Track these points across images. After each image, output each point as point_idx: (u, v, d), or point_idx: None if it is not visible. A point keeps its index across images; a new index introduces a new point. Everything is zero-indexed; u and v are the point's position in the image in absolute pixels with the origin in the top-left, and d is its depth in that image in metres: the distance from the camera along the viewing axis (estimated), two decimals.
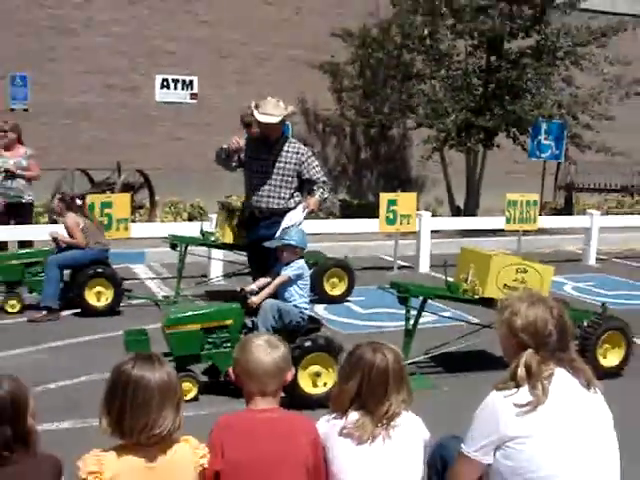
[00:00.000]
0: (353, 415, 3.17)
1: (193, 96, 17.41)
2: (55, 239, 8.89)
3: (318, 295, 9.48)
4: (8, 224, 10.33)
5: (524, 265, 6.69)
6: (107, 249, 9.10)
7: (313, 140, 18.54)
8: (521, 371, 3.04)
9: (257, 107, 7.24)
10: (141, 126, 16.80)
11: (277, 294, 6.30)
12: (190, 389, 5.84)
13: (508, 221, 12.51)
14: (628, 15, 17.29)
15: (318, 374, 5.87)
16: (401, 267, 11.94)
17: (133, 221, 11.25)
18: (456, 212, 16.94)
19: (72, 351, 7.33)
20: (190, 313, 6.15)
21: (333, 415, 3.25)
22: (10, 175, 10.31)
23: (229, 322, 6.10)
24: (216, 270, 10.65)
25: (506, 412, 2.99)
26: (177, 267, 9.57)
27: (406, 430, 3.19)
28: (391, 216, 11.74)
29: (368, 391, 3.18)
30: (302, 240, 6.46)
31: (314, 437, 3.16)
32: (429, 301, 6.89)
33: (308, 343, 5.83)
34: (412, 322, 6.61)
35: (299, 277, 6.30)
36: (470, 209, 16.62)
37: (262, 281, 6.48)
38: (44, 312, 8.44)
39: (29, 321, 8.36)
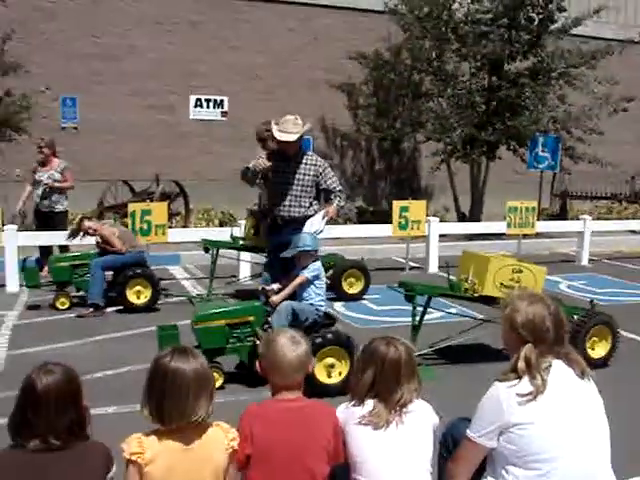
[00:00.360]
0: (369, 403, 3.17)
1: (223, 114, 17.46)
2: (98, 243, 8.93)
3: (337, 293, 9.49)
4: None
5: (519, 266, 6.68)
6: (142, 251, 9.14)
7: (332, 153, 18.56)
8: (521, 364, 3.05)
9: (277, 124, 7.21)
10: (177, 141, 16.87)
11: (296, 294, 6.28)
12: (217, 379, 5.83)
13: (509, 226, 12.46)
14: (615, 40, 17.21)
15: (332, 366, 5.84)
16: (412, 268, 11.90)
17: (170, 227, 11.28)
18: (462, 218, 16.89)
19: (115, 344, 7.36)
20: (216, 310, 6.15)
21: (352, 402, 3.25)
22: (45, 188, 10.38)
23: (251, 318, 6.08)
24: (245, 271, 10.67)
25: (509, 401, 3.00)
26: (209, 268, 9.59)
27: (417, 416, 3.19)
28: (403, 222, 11.73)
29: (382, 381, 3.18)
30: (315, 244, 6.41)
31: (335, 423, 3.17)
32: (438, 298, 6.87)
33: (321, 338, 5.80)
34: (418, 318, 6.59)
35: (316, 278, 6.27)
36: (474, 215, 16.56)
37: (282, 282, 6.47)
38: (91, 309, 8.49)
39: (77, 317, 8.42)
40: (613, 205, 20.45)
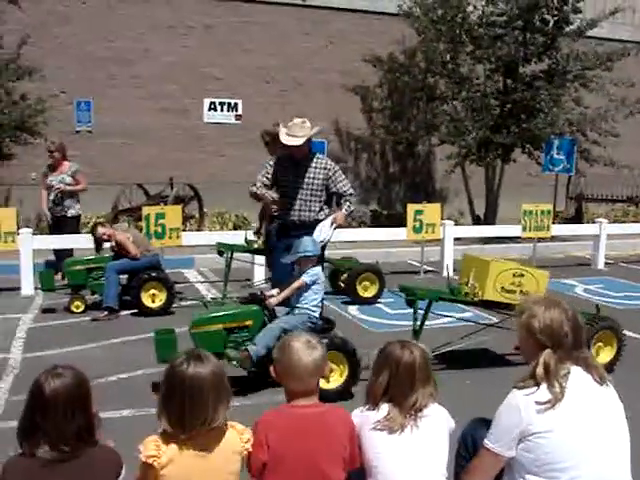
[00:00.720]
0: (384, 407, 3.16)
1: (237, 117, 17.49)
2: (113, 247, 8.97)
3: (351, 297, 9.48)
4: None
5: (521, 270, 6.57)
6: (157, 254, 9.17)
7: (346, 157, 18.56)
8: (540, 369, 3.00)
9: (285, 127, 7.12)
10: (191, 145, 16.91)
11: (293, 297, 6.23)
12: None
13: (524, 229, 12.41)
14: (630, 42, 17.14)
15: (330, 370, 5.76)
16: (427, 271, 11.89)
17: (184, 230, 11.31)
18: (476, 221, 16.83)
19: (130, 347, 7.38)
20: (213, 315, 6.10)
21: (366, 407, 3.24)
22: (57, 193, 10.41)
23: (249, 323, 6.04)
24: (259, 274, 10.66)
25: (528, 409, 2.96)
26: (224, 272, 9.58)
27: (433, 420, 3.17)
28: (418, 225, 11.71)
29: (396, 384, 3.17)
30: (316, 249, 6.36)
31: (351, 428, 3.15)
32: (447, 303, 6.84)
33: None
34: (419, 322, 6.51)
35: (314, 282, 6.18)
36: (489, 218, 16.50)
37: (281, 288, 6.39)
38: (105, 312, 8.52)
39: (92, 320, 8.44)
40: (629, 208, 20.32)
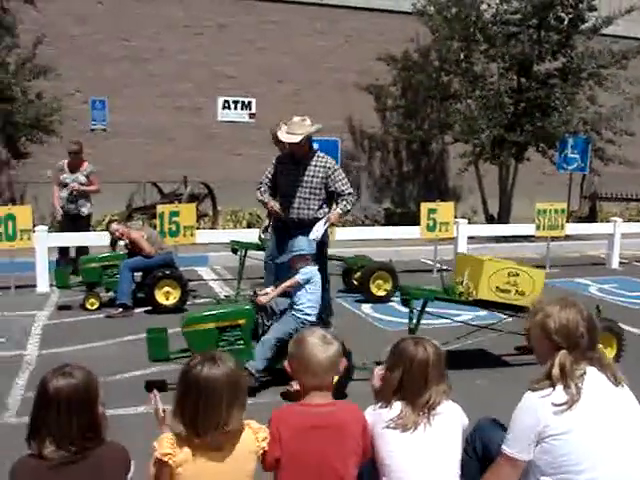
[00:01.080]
0: (396, 405, 3.13)
1: (251, 116, 17.51)
2: (127, 245, 9.00)
3: (365, 295, 9.47)
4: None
5: (516, 269, 6.48)
6: (170, 252, 9.20)
7: (360, 155, 18.56)
8: (556, 370, 2.96)
9: (285, 125, 7.14)
10: (205, 143, 16.94)
11: (287, 295, 6.19)
12: None
13: (538, 228, 12.35)
14: None
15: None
16: (440, 270, 11.84)
17: (198, 228, 11.32)
18: (490, 220, 16.78)
19: (144, 344, 7.36)
20: (205, 314, 6.05)
21: (379, 405, 3.21)
22: (71, 191, 10.44)
23: (241, 322, 5.99)
24: None
25: (544, 411, 2.91)
26: (237, 269, 9.60)
27: (446, 418, 3.14)
28: (431, 223, 11.68)
29: (409, 382, 3.14)
30: (310, 247, 6.32)
31: (363, 426, 3.12)
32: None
33: None
34: (415, 322, 6.48)
35: (308, 281, 6.10)
36: (503, 217, 16.45)
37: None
38: (120, 309, 8.54)
39: (106, 317, 8.47)
40: None
